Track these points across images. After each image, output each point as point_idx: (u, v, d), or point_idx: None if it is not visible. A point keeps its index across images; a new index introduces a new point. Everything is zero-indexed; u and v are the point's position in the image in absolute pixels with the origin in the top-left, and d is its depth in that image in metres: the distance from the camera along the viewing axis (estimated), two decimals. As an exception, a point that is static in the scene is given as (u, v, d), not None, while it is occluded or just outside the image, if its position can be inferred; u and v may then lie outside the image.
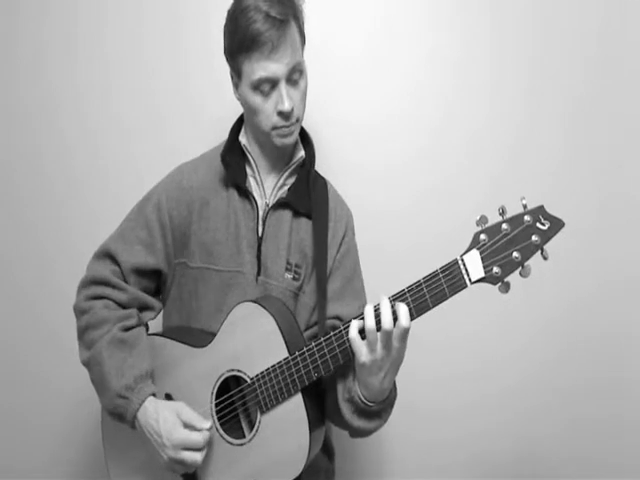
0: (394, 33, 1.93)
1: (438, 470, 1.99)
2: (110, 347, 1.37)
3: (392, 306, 1.19)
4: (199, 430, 1.32)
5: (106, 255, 1.48)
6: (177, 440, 1.30)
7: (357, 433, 1.38)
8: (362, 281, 1.58)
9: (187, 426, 1.32)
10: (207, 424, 1.32)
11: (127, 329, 1.41)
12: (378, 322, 1.19)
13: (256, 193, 1.48)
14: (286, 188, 1.50)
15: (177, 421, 1.32)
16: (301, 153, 1.50)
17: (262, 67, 1.33)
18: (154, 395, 1.36)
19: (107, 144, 2.00)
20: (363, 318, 1.22)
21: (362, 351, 1.21)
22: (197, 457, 1.31)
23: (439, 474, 1.99)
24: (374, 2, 1.93)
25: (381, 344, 1.20)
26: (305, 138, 1.55)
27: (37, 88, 2.01)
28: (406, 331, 1.19)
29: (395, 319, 1.18)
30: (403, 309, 1.18)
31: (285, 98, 1.35)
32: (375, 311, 1.20)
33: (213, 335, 1.38)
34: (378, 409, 1.31)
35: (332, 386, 1.37)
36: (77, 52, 1.99)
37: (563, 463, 1.99)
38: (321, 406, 1.38)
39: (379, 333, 1.19)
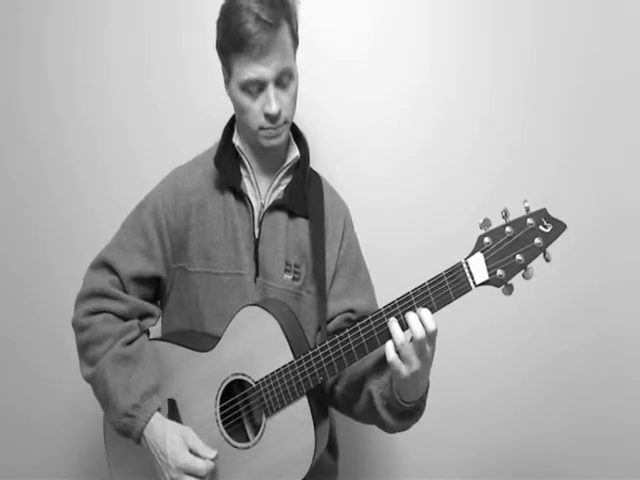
0: (394, 33, 1.93)
1: (441, 469, 2.00)
2: (113, 364, 1.37)
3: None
4: (204, 459, 1.32)
5: (104, 265, 1.46)
6: (181, 464, 1.30)
7: (397, 430, 1.39)
8: (367, 273, 1.58)
9: (192, 452, 1.32)
10: (212, 454, 1.33)
11: (129, 342, 1.40)
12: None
13: (251, 194, 1.48)
14: (282, 189, 1.49)
15: (183, 445, 1.32)
16: (296, 153, 1.50)
17: (250, 69, 1.32)
18: (159, 410, 1.36)
19: (107, 144, 2.00)
20: (372, 322, 1.22)
21: (402, 369, 1.20)
22: None
23: (442, 473, 2.00)
24: (374, 2, 1.93)
25: (416, 354, 1.19)
26: (299, 137, 1.54)
27: (36, 88, 2.00)
28: (435, 333, 1.18)
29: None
30: (426, 313, 1.17)
31: (272, 101, 1.34)
32: (398, 320, 1.20)
33: (216, 339, 1.38)
34: (417, 405, 1.32)
35: (368, 396, 1.37)
36: (76, 53, 1.98)
37: (564, 463, 2.00)
38: (324, 406, 1.39)
39: (411, 344, 1.19)
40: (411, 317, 1.18)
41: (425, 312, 1.18)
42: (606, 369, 1.96)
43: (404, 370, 1.20)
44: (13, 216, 2.04)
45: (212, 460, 1.32)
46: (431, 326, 1.17)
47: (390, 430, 1.38)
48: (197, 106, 1.96)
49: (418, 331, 1.17)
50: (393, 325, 1.20)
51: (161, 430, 1.33)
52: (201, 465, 1.30)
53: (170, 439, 1.32)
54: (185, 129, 1.97)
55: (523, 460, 2.01)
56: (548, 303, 1.95)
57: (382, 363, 1.35)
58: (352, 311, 1.48)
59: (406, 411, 1.31)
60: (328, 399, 1.46)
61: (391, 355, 1.20)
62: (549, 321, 1.96)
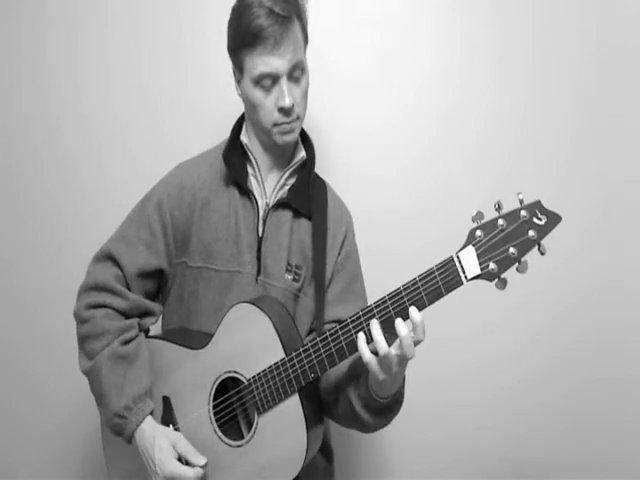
0: (396, 35, 1.92)
1: (437, 470, 1.99)
2: (109, 363, 1.37)
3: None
4: (193, 466, 1.32)
5: (108, 258, 1.47)
6: (169, 472, 1.31)
7: (376, 429, 1.37)
8: (363, 283, 1.57)
9: (182, 458, 1.32)
10: (202, 461, 1.32)
11: (127, 342, 1.41)
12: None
13: (257, 192, 1.48)
14: (287, 188, 1.49)
15: (172, 452, 1.33)
16: (302, 153, 1.50)
17: (264, 62, 1.33)
18: (152, 413, 1.37)
19: (107, 144, 2.01)
20: (363, 326, 1.20)
21: (378, 370, 1.19)
22: None
23: (438, 474, 1.98)
24: (377, 4, 1.92)
25: (397, 361, 1.17)
26: (306, 139, 1.54)
27: (36, 88, 2.01)
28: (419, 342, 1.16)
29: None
30: (414, 312, 1.15)
31: (286, 94, 1.34)
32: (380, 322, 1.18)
33: (211, 336, 1.37)
34: (395, 398, 1.30)
35: (345, 398, 1.35)
36: (76, 53, 1.99)
37: (564, 464, 1.98)
38: (318, 405, 1.38)
39: (395, 355, 1.16)
40: (405, 339, 1.14)
41: (415, 315, 1.15)
42: (605, 370, 1.95)
43: (380, 370, 1.19)
44: (13, 215, 2.05)
45: (202, 467, 1.32)
46: (421, 336, 1.15)
47: (371, 429, 1.37)
48: (198, 105, 1.96)
49: (409, 352, 1.14)
50: (374, 329, 1.17)
51: (151, 436, 1.34)
52: (188, 474, 1.30)
53: (159, 446, 1.33)
54: (185, 128, 1.97)
55: (521, 461, 1.99)
56: (547, 304, 1.94)
57: (355, 366, 1.33)
58: (340, 322, 1.46)
59: (384, 406, 1.30)
60: None
61: (367, 356, 1.18)
62: (548, 320, 1.95)
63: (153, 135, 1.99)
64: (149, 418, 1.36)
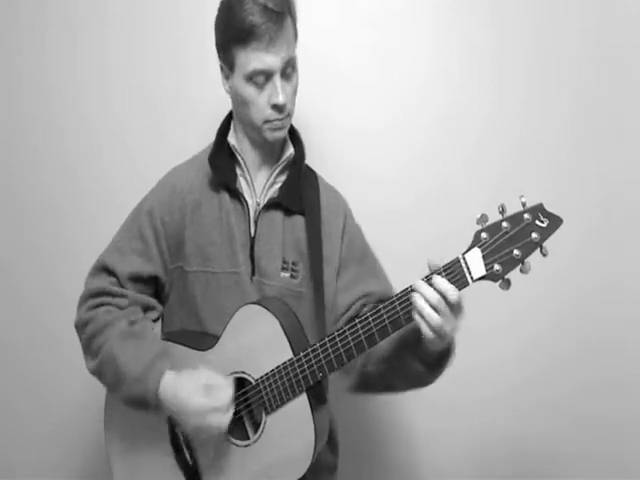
0: (396, 34, 1.92)
1: (441, 466, 1.99)
2: (120, 341, 1.35)
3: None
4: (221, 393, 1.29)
5: (103, 269, 1.47)
6: (199, 405, 1.28)
7: (437, 376, 1.38)
8: (375, 258, 1.56)
9: (207, 389, 1.29)
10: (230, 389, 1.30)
11: (134, 322, 1.40)
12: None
13: (246, 193, 1.47)
14: (277, 186, 1.49)
15: (198, 386, 1.29)
16: (290, 150, 1.49)
17: (258, 59, 1.32)
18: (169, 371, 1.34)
19: (107, 144, 2.01)
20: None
21: (436, 341, 1.20)
22: (223, 419, 1.28)
23: (442, 470, 1.99)
24: (377, 4, 1.92)
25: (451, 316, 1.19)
26: (294, 135, 1.54)
27: (36, 88, 2.01)
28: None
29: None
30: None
31: (280, 91, 1.34)
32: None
33: (216, 337, 1.37)
34: (448, 347, 1.30)
35: (398, 361, 1.35)
36: (77, 53, 1.99)
37: (564, 463, 1.98)
38: (325, 403, 1.38)
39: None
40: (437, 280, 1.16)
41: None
42: (606, 370, 1.95)
43: (438, 341, 1.20)
44: (13, 215, 2.05)
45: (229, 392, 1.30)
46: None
47: (428, 382, 1.38)
48: (198, 105, 1.96)
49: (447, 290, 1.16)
50: (422, 288, 1.17)
51: (173, 385, 1.31)
52: (219, 400, 1.28)
53: (181, 388, 1.30)
54: (185, 128, 1.97)
55: (521, 460, 2.00)
56: (548, 305, 1.94)
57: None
58: (366, 295, 1.46)
59: (442, 356, 1.30)
60: (360, 385, 1.44)
61: (429, 333, 1.18)
62: (549, 322, 1.95)
63: (153, 135, 1.99)
64: (169, 373, 1.32)
